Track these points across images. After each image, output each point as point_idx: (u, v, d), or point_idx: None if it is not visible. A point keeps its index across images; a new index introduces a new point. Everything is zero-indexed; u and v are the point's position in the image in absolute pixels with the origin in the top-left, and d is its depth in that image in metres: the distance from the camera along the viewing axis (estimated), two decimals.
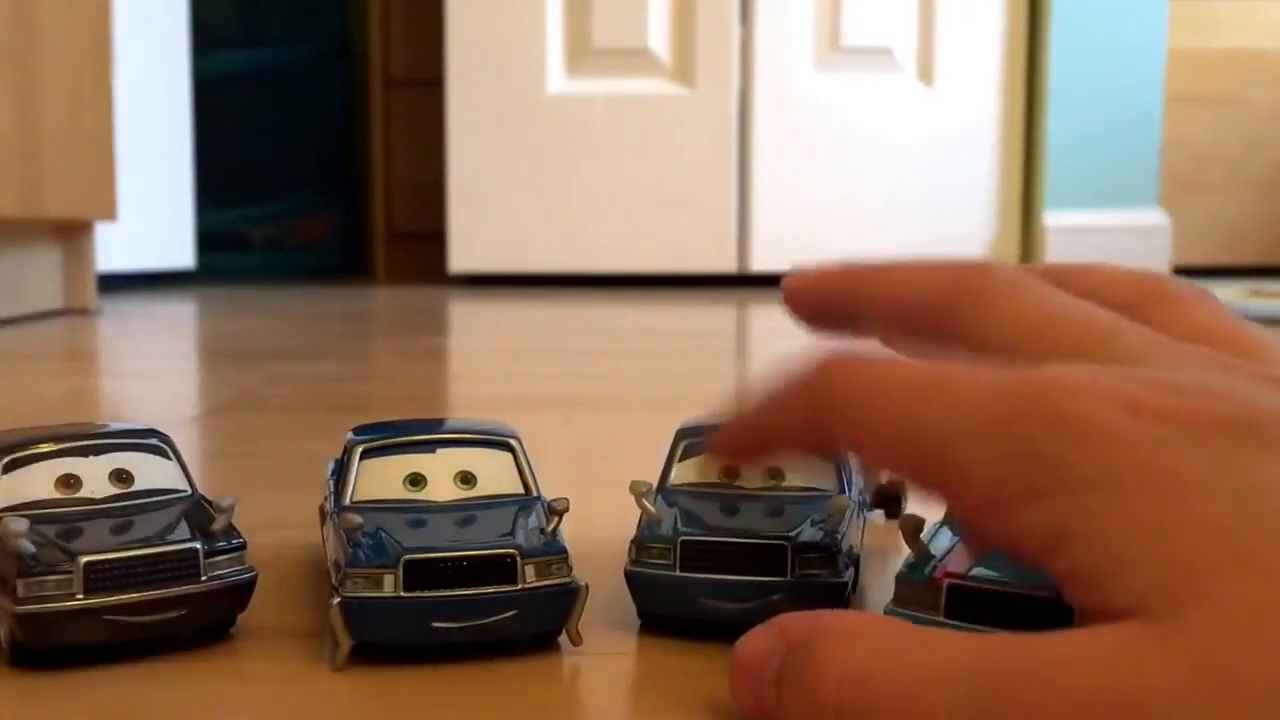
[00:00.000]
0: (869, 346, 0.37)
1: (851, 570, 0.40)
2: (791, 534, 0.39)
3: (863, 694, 0.27)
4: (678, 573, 0.39)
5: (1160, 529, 0.25)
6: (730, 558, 0.39)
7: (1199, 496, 0.25)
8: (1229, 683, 0.23)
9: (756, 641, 0.30)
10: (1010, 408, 0.28)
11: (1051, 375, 0.28)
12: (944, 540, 0.37)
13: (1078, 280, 0.35)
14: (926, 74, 2.30)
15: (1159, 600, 0.24)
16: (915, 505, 0.52)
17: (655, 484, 0.43)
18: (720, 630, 0.38)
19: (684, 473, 0.44)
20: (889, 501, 0.54)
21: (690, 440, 0.45)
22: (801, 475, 0.43)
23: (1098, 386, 0.27)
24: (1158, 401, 0.27)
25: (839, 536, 0.39)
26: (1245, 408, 0.26)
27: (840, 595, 0.39)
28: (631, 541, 0.41)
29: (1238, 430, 0.26)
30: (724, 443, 0.37)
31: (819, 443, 0.33)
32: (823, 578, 0.39)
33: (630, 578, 0.40)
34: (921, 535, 0.37)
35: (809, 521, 0.40)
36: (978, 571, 0.34)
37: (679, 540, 0.39)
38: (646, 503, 0.41)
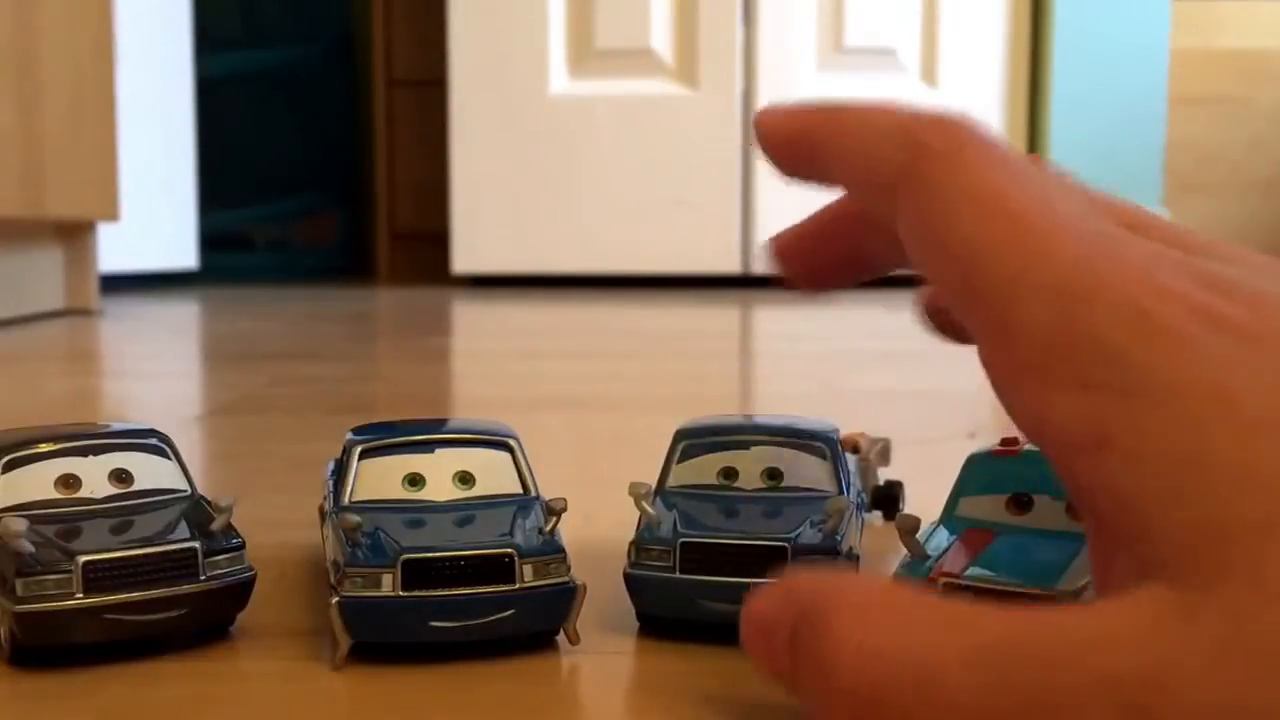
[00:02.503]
0: None
1: (852, 572, 0.40)
2: (791, 535, 0.39)
3: (882, 673, 0.25)
4: (677, 575, 0.39)
5: (1212, 467, 0.23)
6: (730, 559, 0.39)
7: (1260, 439, 0.23)
8: (1258, 662, 0.22)
9: (764, 603, 0.29)
10: (1089, 284, 0.26)
11: (1139, 261, 0.26)
12: (940, 540, 0.37)
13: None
14: (930, 74, 2.30)
15: (1192, 566, 0.23)
16: (913, 506, 0.52)
17: (654, 485, 0.43)
18: (719, 632, 0.38)
19: (683, 474, 0.44)
20: (887, 502, 0.54)
21: (689, 442, 0.44)
22: (799, 475, 0.43)
23: (1181, 289, 0.25)
24: (1239, 317, 0.25)
25: (839, 538, 0.39)
26: None
27: None
28: (630, 543, 0.41)
29: None
30: (776, 134, 0.34)
31: (878, 202, 0.31)
32: None
33: (629, 580, 0.40)
34: (918, 535, 0.37)
35: (808, 523, 0.40)
36: (974, 571, 0.34)
37: (679, 542, 0.39)
38: (645, 504, 0.41)
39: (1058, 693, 0.23)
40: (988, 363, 0.28)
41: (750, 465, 0.43)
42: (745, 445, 0.44)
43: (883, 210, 0.31)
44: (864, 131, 0.31)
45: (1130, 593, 0.24)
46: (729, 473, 0.43)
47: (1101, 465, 0.25)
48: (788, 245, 0.38)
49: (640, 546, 0.40)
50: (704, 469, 0.44)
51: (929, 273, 0.29)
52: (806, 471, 0.43)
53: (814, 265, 0.37)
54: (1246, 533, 0.23)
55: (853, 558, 0.40)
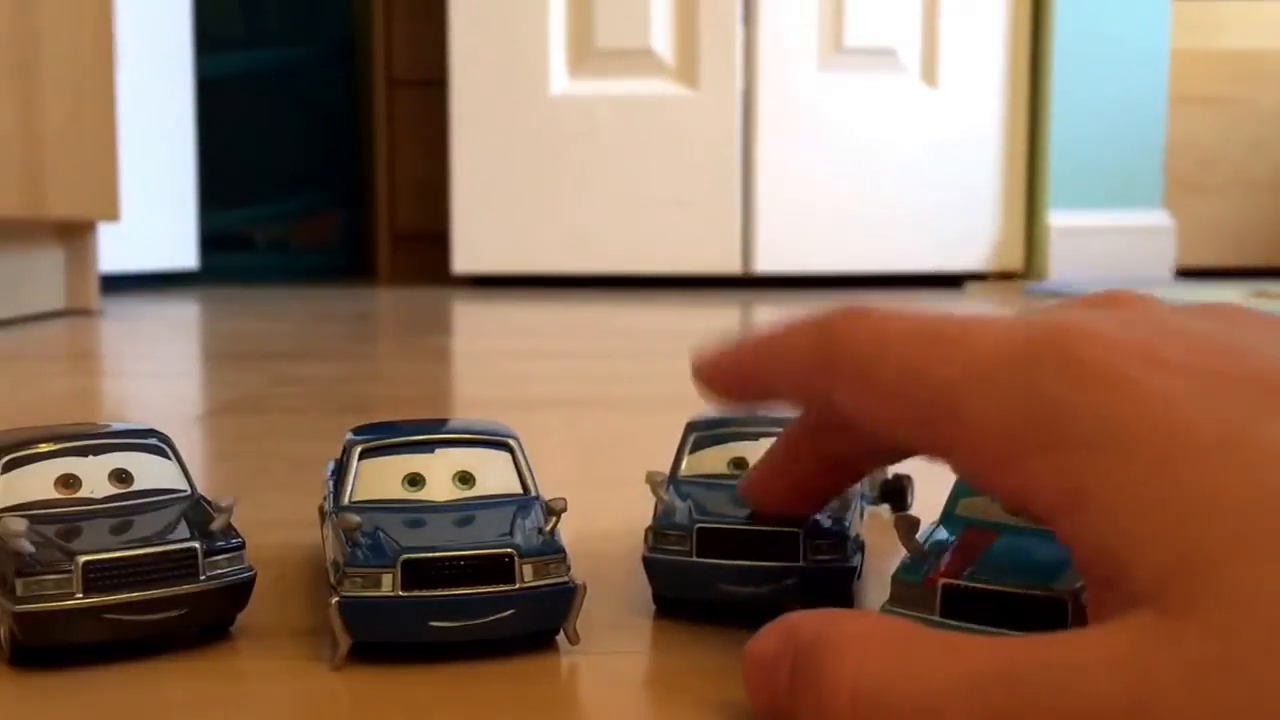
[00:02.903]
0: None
1: (859, 555, 0.41)
2: (803, 521, 0.40)
3: (877, 707, 0.26)
4: (694, 558, 0.40)
5: (1177, 500, 0.24)
6: (745, 544, 0.40)
7: (1217, 464, 0.24)
8: (1241, 682, 0.22)
9: (766, 643, 0.30)
10: (1027, 352, 0.27)
11: (1070, 320, 0.27)
12: (940, 539, 0.37)
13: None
14: (930, 75, 2.30)
15: (1171, 590, 0.24)
16: (918, 504, 0.52)
17: (667, 475, 0.44)
18: (732, 614, 0.39)
19: (694, 465, 0.45)
20: (895, 495, 0.54)
21: (700, 433, 0.46)
22: None
23: (1118, 335, 0.26)
24: (1177, 355, 0.26)
25: (847, 523, 0.41)
26: (1264, 363, 0.26)
27: (850, 580, 0.40)
28: (647, 529, 0.42)
29: (1261, 388, 0.25)
30: (714, 374, 0.37)
31: (816, 393, 0.33)
32: (833, 563, 0.40)
33: (648, 563, 0.41)
34: (917, 535, 0.37)
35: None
36: (973, 571, 0.34)
37: (696, 527, 0.40)
38: (661, 492, 0.42)
39: (1046, 717, 0.24)
40: (960, 468, 0.30)
41: (760, 455, 0.44)
42: (754, 437, 0.45)
43: (821, 399, 0.33)
44: (780, 342, 0.34)
45: (1113, 621, 0.25)
46: (739, 463, 0.44)
47: (1082, 521, 0.26)
48: (764, 496, 0.40)
49: (658, 532, 0.41)
50: (715, 459, 0.45)
51: (876, 423, 0.31)
52: None
53: (795, 501, 0.40)
54: (1217, 555, 0.23)
55: (860, 544, 0.41)
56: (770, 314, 1.83)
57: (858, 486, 0.44)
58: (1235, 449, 0.24)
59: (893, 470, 0.55)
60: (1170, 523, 0.24)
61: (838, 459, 0.39)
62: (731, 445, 0.45)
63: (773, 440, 0.44)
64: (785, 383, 0.34)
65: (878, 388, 0.30)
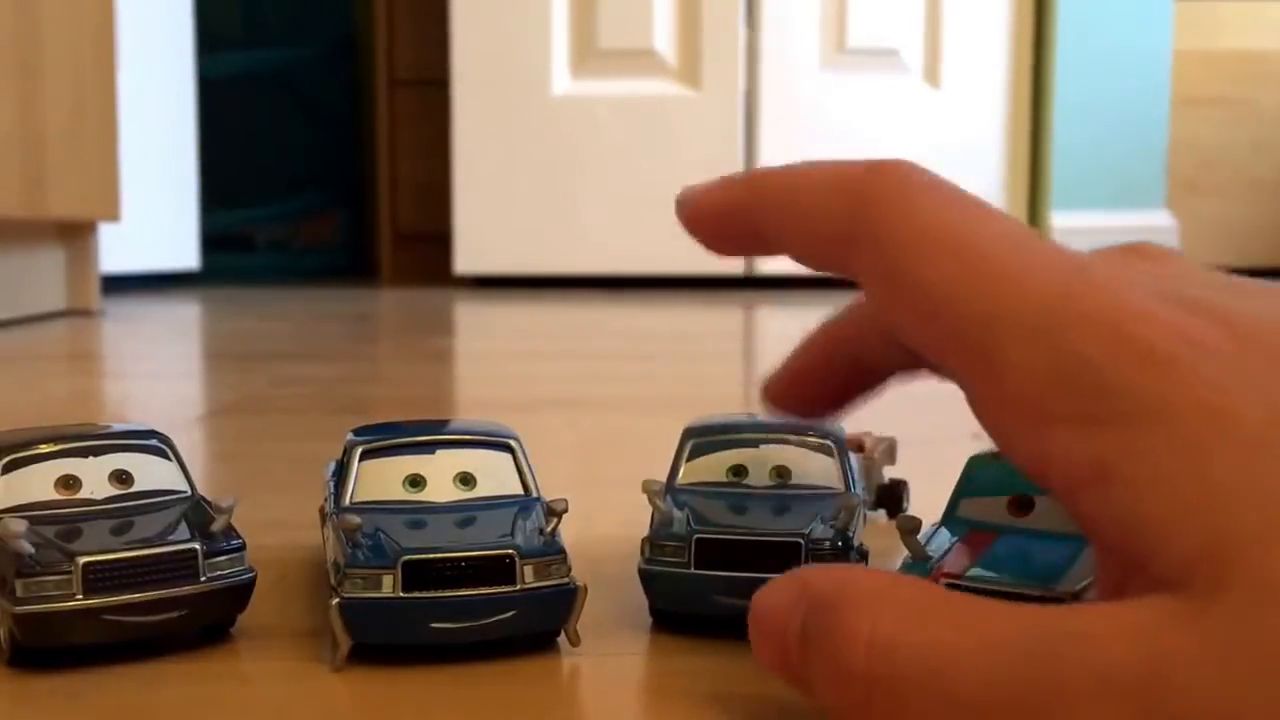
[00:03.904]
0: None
1: (863, 565, 0.40)
2: (804, 531, 0.39)
3: (892, 664, 0.26)
4: (692, 570, 0.39)
5: (1211, 486, 0.23)
6: (744, 555, 0.39)
7: (1255, 454, 0.23)
8: (1259, 665, 0.22)
9: (777, 596, 0.29)
10: (1071, 314, 0.26)
11: (1120, 288, 0.26)
12: (942, 541, 0.37)
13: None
14: (933, 76, 2.30)
15: (1198, 574, 0.23)
16: (917, 506, 0.52)
17: (664, 483, 0.43)
18: (731, 628, 0.38)
19: (693, 472, 0.44)
20: (891, 501, 0.54)
21: (698, 440, 0.45)
22: (807, 473, 0.43)
23: (1165, 314, 0.25)
24: (1223, 340, 0.25)
25: (850, 533, 0.40)
26: None
27: None
28: (644, 540, 0.41)
29: None
30: (709, 215, 0.34)
31: (835, 262, 0.30)
32: None
33: (644, 575, 0.40)
34: (919, 536, 0.36)
35: (819, 519, 0.40)
36: (975, 572, 0.34)
37: (694, 538, 0.39)
38: (658, 501, 0.41)
39: (1060, 687, 0.24)
40: (977, 406, 0.28)
41: (759, 463, 0.43)
42: (754, 443, 0.44)
43: (838, 269, 0.30)
44: (802, 192, 0.31)
45: (1135, 599, 0.24)
46: (739, 470, 0.43)
47: (1106, 497, 0.25)
48: (782, 390, 0.38)
49: (654, 543, 0.40)
50: (714, 467, 0.44)
51: (897, 322, 0.29)
52: (814, 469, 0.43)
53: (813, 401, 0.38)
54: (1248, 546, 0.23)
55: (863, 554, 0.41)
56: (771, 314, 1.83)
57: (862, 493, 0.43)
58: (1276, 438, 0.24)
59: (889, 475, 0.55)
60: (1203, 507, 0.23)
61: (861, 363, 0.36)
62: (730, 452, 0.44)
63: (773, 447, 0.44)
64: (798, 241, 0.31)
65: (909, 292, 0.28)
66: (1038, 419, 0.26)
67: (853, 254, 0.29)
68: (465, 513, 0.40)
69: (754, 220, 0.33)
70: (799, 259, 0.32)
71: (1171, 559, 0.24)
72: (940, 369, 0.29)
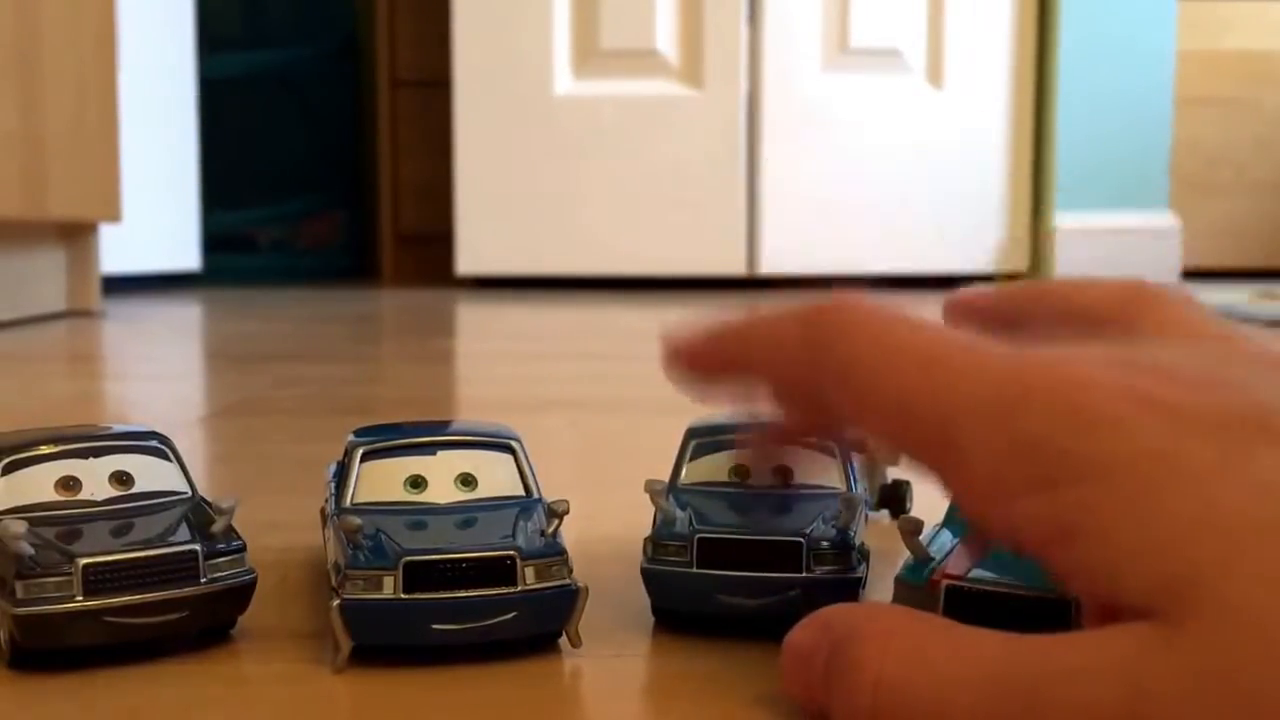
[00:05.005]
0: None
1: (864, 566, 0.40)
2: (805, 530, 0.39)
3: (897, 699, 0.28)
4: (695, 569, 0.39)
5: (1168, 523, 0.25)
6: (746, 554, 0.39)
7: (1207, 490, 0.25)
8: (1234, 692, 0.23)
9: (804, 635, 0.31)
10: (1018, 394, 0.27)
11: (1062, 363, 0.28)
12: (943, 542, 0.37)
13: (1057, 297, 0.35)
14: (935, 75, 2.30)
15: (1166, 603, 0.25)
16: (920, 508, 0.52)
17: (666, 483, 0.43)
18: (734, 627, 0.38)
19: (695, 472, 0.44)
20: (894, 501, 0.54)
21: (700, 440, 0.45)
22: (809, 474, 0.43)
23: (1108, 379, 0.27)
24: (1167, 395, 0.26)
25: (851, 533, 0.40)
26: (1253, 400, 0.26)
27: (855, 591, 0.39)
28: (646, 539, 0.41)
29: (1247, 424, 0.26)
30: (687, 354, 0.36)
31: (802, 386, 0.33)
32: (838, 574, 0.39)
33: (647, 575, 0.40)
34: (920, 537, 0.36)
35: (820, 519, 0.40)
36: (976, 573, 0.34)
37: (696, 537, 0.39)
38: (661, 501, 0.41)
39: (1037, 716, 0.26)
40: (952, 495, 0.30)
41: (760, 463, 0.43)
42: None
43: (807, 397, 0.33)
44: (771, 338, 0.33)
45: (1113, 626, 0.26)
46: (741, 470, 0.43)
47: (1073, 554, 0.26)
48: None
49: (657, 542, 0.40)
50: (715, 467, 0.44)
51: (872, 431, 0.32)
52: (815, 469, 0.43)
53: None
54: (1209, 573, 0.24)
55: (864, 554, 0.41)
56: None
57: (863, 493, 0.43)
58: (1225, 476, 0.25)
59: (892, 475, 0.55)
60: (1161, 542, 0.25)
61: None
62: (733, 452, 0.44)
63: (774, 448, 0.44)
64: (768, 371, 0.34)
65: (873, 402, 0.30)
66: (1003, 494, 0.28)
67: (818, 375, 0.32)
68: (466, 514, 0.39)
69: (732, 371, 0.35)
70: (773, 390, 0.35)
71: (1140, 592, 0.25)
72: (916, 463, 0.31)
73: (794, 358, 0.32)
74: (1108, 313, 0.33)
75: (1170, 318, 0.33)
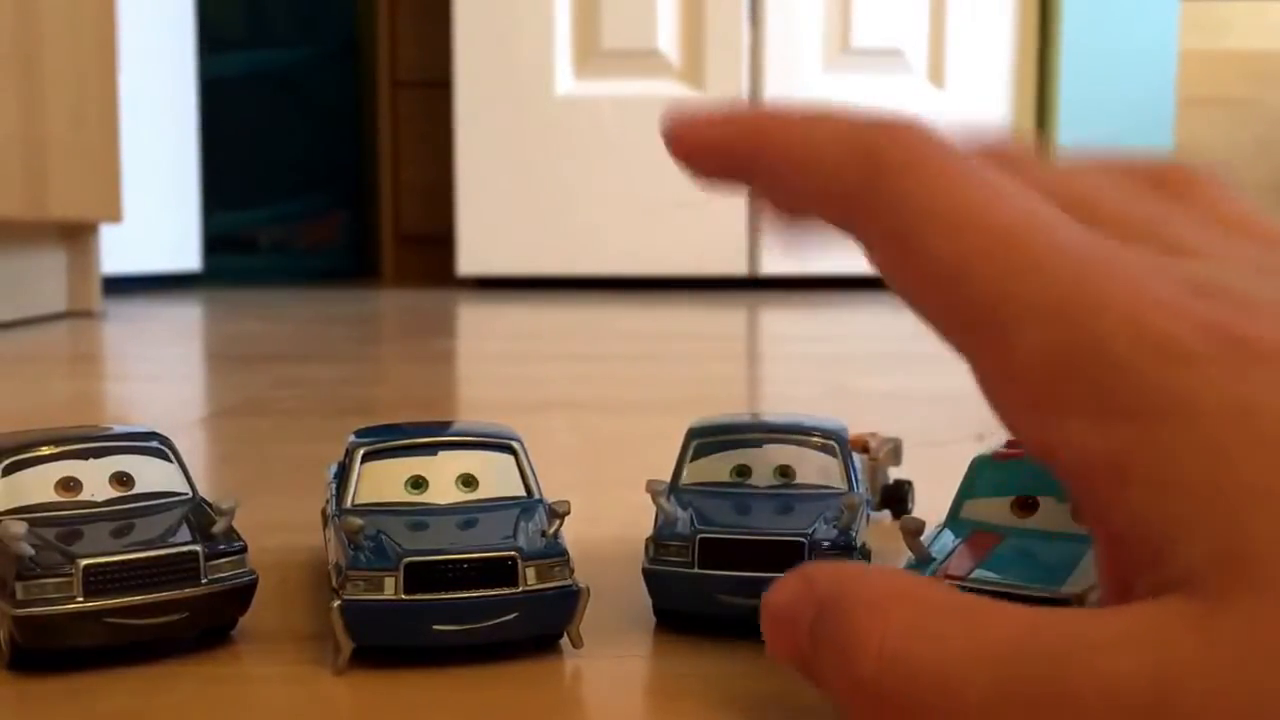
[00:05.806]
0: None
1: (866, 564, 0.40)
2: (807, 531, 0.39)
3: (903, 672, 0.25)
4: (696, 570, 0.39)
5: (1228, 490, 0.23)
6: (748, 555, 0.39)
7: (1275, 456, 0.23)
8: (1268, 672, 0.22)
9: (785, 593, 0.29)
10: (1091, 298, 0.25)
11: (1141, 276, 0.25)
12: (945, 542, 0.37)
13: (1089, 173, 0.32)
14: (937, 75, 2.30)
15: (1211, 579, 0.23)
16: (921, 508, 0.52)
17: (668, 484, 0.43)
18: (736, 627, 0.38)
19: (696, 472, 0.44)
20: (896, 501, 0.54)
21: (701, 440, 0.45)
22: (810, 474, 0.43)
23: (1180, 302, 0.24)
24: (1249, 331, 0.24)
25: (853, 534, 0.40)
26: None
27: None
28: (648, 539, 0.41)
29: None
30: (699, 145, 0.31)
31: (834, 216, 0.29)
32: None
33: (648, 575, 0.40)
34: (922, 537, 0.36)
35: (822, 519, 0.40)
36: (979, 573, 0.34)
37: (698, 538, 0.39)
38: (662, 501, 0.41)
39: (1065, 693, 0.23)
40: (986, 388, 0.27)
41: (763, 463, 0.43)
42: (757, 443, 0.44)
43: (838, 225, 0.29)
44: (810, 146, 0.29)
45: (1141, 602, 0.24)
46: (742, 470, 0.43)
47: (1121, 495, 0.24)
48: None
49: (658, 543, 0.40)
50: (717, 467, 0.44)
51: (905, 289, 0.28)
52: (817, 469, 0.43)
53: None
54: (1262, 549, 0.22)
55: (865, 554, 0.41)
56: (775, 315, 1.82)
57: (865, 494, 0.43)
58: None
59: (894, 475, 0.55)
60: (1221, 510, 0.23)
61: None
62: (734, 452, 0.44)
63: (776, 446, 0.44)
64: (800, 195, 0.30)
65: (921, 266, 0.27)
66: (1048, 406, 0.25)
67: (860, 217, 0.28)
68: (467, 514, 0.39)
69: (751, 165, 0.31)
70: (793, 210, 0.31)
71: (1184, 561, 0.23)
72: (948, 341, 0.27)
73: (836, 189, 0.28)
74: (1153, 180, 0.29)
75: (1214, 209, 0.29)
